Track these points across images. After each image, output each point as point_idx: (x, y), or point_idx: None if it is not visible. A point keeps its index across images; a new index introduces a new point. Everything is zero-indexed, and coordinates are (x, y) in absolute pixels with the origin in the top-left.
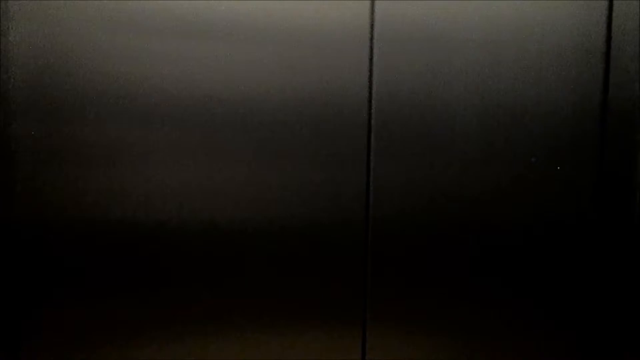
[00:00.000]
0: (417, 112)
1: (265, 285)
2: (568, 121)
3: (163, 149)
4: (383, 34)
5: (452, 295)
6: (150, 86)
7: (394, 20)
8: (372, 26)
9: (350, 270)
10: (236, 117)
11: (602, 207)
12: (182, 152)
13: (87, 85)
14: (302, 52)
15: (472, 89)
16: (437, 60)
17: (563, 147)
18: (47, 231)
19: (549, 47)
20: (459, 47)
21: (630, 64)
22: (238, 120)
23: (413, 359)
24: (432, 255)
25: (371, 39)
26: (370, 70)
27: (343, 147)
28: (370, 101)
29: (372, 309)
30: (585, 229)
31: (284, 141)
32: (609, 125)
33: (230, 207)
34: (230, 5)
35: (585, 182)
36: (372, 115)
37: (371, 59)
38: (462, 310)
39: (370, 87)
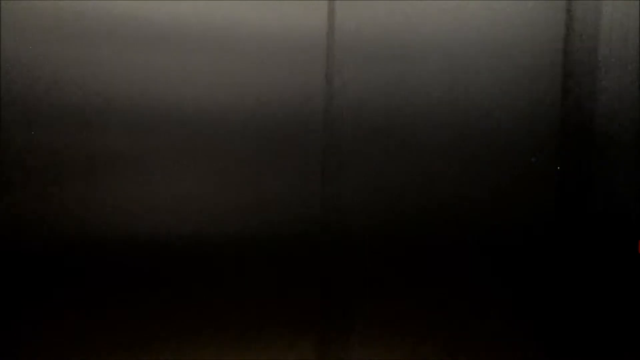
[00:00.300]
0: (377, 121)
1: (222, 298)
2: (530, 126)
3: (118, 159)
4: (342, 42)
5: (413, 304)
6: (112, 98)
7: (353, 28)
8: (330, 34)
9: (309, 281)
10: (192, 127)
11: (561, 210)
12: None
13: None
14: (259, 59)
15: (435, 98)
16: (398, 69)
17: (527, 152)
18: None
19: (514, 58)
20: (421, 57)
21: (586, 76)
22: (194, 130)
23: None
24: (393, 264)
25: (329, 46)
26: (328, 79)
27: (301, 157)
28: (327, 110)
29: (331, 321)
30: (546, 231)
31: (240, 150)
32: (566, 131)
33: (185, 218)
34: (172, 11)
35: (545, 186)
36: (329, 124)
37: (329, 68)
38: (422, 320)
39: (327, 96)
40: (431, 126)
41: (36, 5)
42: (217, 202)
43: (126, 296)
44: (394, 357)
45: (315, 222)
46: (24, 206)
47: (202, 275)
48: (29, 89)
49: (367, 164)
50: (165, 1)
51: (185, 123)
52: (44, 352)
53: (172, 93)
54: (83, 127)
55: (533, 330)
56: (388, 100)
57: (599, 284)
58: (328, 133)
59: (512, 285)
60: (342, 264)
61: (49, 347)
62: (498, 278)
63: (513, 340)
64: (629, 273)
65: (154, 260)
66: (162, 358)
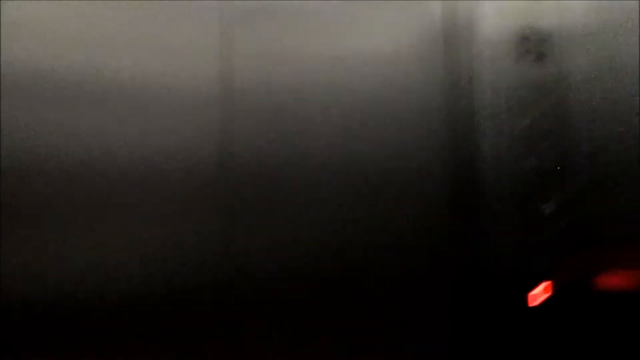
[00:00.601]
0: (269, 174)
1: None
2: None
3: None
4: (234, 99)
5: (314, 345)
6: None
7: (247, 83)
8: (224, 90)
9: (212, 332)
10: (89, 179)
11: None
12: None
13: None
14: (155, 114)
15: (328, 149)
16: (288, 124)
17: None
18: None
19: (395, 110)
20: (312, 110)
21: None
22: (92, 182)
23: None
24: (293, 309)
25: (222, 102)
26: (222, 133)
27: (197, 209)
28: (221, 163)
29: None
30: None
31: (135, 202)
32: (453, 176)
33: (85, 271)
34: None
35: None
36: (224, 177)
37: (222, 123)
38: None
39: (221, 149)
40: (324, 177)
41: None
42: (113, 255)
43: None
44: None
45: (211, 271)
46: None
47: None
48: None
49: (262, 215)
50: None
51: (81, 177)
52: None
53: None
54: None
55: None
56: (281, 151)
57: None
58: (223, 186)
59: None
60: (243, 309)
61: None
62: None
63: None
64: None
65: (62, 314)
66: None
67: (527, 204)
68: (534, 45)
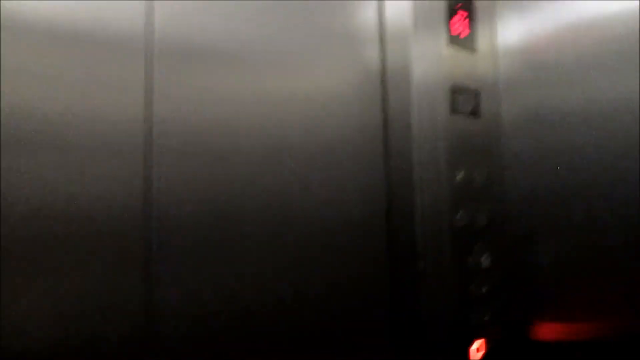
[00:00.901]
0: (200, 222)
1: None
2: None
3: None
4: (159, 143)
5: None
6: None
7: (171, 125)
8: (149, 133)
9: None
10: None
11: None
12: None
13: None
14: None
15: (257, 197)
16: (216, 170)
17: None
18: None
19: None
20: (241, 157)
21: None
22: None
23: None
24: None
25: (145, 147)
26: (148, 179)
27: (116, 259)
28: (148, 211)
29: None
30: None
31: (49, 251)
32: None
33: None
34: None
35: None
36: (146, 228)
37: (146, 169)
38: None
39: (148, 196)
40: (254, 227)
41: None
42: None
43: None
44: None
45: (136, 325)
46: None
47: None
48: None
49: (186, 267)
50: None
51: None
52: None
53: None
54: None
55: None
56: (208, 198)
57: None
58: (147, 234)
59: None
60: None
61: None
62: None
63: None
64: None
65: None
66: None
67: (464, 257)
68: (468, 97)
